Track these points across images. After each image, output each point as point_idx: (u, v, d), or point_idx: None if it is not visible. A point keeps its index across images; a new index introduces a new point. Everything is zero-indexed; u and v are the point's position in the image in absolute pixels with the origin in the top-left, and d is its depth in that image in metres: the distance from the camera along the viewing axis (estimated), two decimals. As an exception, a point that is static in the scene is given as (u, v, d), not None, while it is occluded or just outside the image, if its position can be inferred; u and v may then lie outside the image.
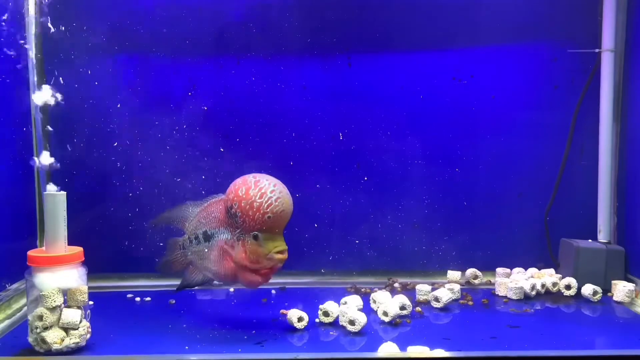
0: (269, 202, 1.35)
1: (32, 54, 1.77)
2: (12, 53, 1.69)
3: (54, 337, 1.30)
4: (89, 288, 1.37)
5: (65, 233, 1.35)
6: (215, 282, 1.55)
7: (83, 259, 1.36)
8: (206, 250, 1.46)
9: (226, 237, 1.42)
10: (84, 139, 1.83)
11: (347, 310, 1.47)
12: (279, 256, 1.38)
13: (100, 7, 1.82)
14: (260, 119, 1.87)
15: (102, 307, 1.61)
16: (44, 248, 1.35)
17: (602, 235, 1.86)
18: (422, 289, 1.69)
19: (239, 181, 1.40)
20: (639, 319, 1.56)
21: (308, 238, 1.90)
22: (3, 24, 1.64)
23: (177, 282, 1.60)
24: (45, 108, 1.80)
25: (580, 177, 1.90)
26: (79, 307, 1.34)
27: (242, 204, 1.36)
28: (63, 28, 1.80)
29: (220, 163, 1.85)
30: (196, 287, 1.61)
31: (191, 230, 1.51)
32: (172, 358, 1.28)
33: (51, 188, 1.53)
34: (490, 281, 1.86)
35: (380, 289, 1.75)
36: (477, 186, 1.91)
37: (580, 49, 1.86)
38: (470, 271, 1.86)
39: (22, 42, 1.73)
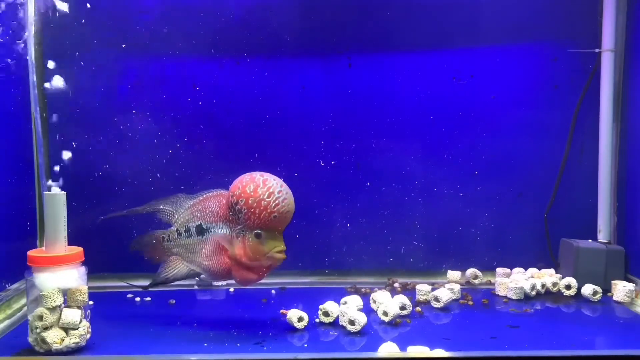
0: (277, 202, 1.36)
1: (32, 54, 1.78)
2: (11, 53, 1.69)
3: (54, 337, 1.30)
4: (89, 288, 1.37)
5: (65, 233, 1.35)
6: (202, 276, 1.53)
7: (83, 259, 1.36)
8: (198, 244, 1.45)
9: (224, 232, 1.42)
10: (83, 139, 1.83)
11: (347, 310, 1.47)
12: (279, 256, 1.39)
13: (99, 6, 1.82)
14: (259, 119, 1.87)
15: (102, 307, 1.61)
16: (44, 248, 1.35)
17: (602, 235, 1.86)
18: (422, 289, 1.69)
19: (246, 178, 1.39)
20: (639, 319, 1.56)
21: (308, 238, 1.90)
22: (2, 24, 1.64)
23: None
24: (45, 108, 1.80)
25: (580, 177, 1.90)
26: (79, 307, 1.34)
27: (250, 202, 1.36)
28: (63, 28, 1.80)
29: (220, 163, 1.85)
30: (176, 282, 1.55)
31: (181, 223, 1.49)
32: (172, 358, 1.28)
33: (54, 189, 1.52)
34: (490, 281, 1.86)
35: (380, 289, 1.75)
36: (477, 186, 1.91)
37: (580, 49, 1.86)
38: (470, 271, 1.86)
39: (21, 42, 1.74)
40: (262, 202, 1.36)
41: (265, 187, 1.37)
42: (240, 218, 1.38)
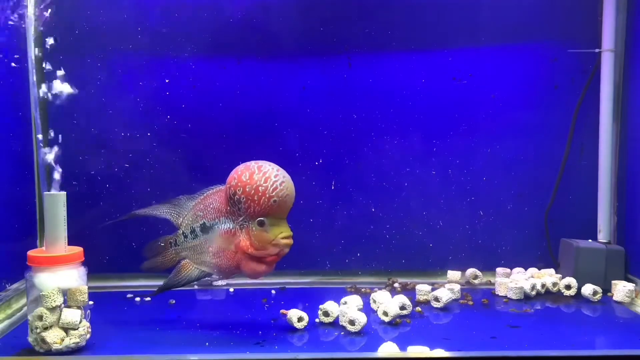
0: (274, 186, 1.34)
1: (32, 53, 1.78)
2: (11, 53, 1.69)
3: (54, 337, 1.30)
4: (89, 288, 1.37)
5: (65, 233, 1.35)
6: (213, 276, 1.52)
7: (83, 259, 1.36)
8: (204, 243, 1.43)
9: (227, 226, 1.40)
10: (83, 139, 1.83)
11: (347, 310, 1.47)
12: (285, 241, 1.36)
13: (99, 6, 1.82)
14: (260, 120, 1.87)
15: (102, 307, 1.61)
16: (44, 248, 1.35)
17: (602, 235, 1.86)
18: (422, 289, 1.69)
19: (241, 167, 1.38)
20: (639, 319, 1.56)
21: (308, 238, 1.90)
22: (2, 24, 1.65)
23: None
24: (45, 108, 1.81)
25: (580, 177, 1.90)
26: (79, 307, 1.34)
27: (247, 189, 1.34)
28: (63, 28, 1.81)
29: (220, 163, 1.85)
30: (188, 284, 1.53)
31: (186, 225, 1.46)
32: (172, 358, 1.28)
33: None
34: (490, 281, 1.86)
35: (380, 289, 1.75)
36: (477, 186, 1.91)
37: (580, 49, 1.86)
38: (470, 271, 1.86)
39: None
40: (260, 187, 1.33)
41: (261, 173, 1.34)
42: (241, 209, 1.36)
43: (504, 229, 1.92)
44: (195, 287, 1.82)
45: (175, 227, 1.49)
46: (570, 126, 1.89)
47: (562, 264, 1.87)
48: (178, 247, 1.48)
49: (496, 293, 1.76)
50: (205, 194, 1.47)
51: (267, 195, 1.33)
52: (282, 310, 1.57)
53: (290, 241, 1.37)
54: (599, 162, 1.87)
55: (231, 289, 1.81)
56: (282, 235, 1.36)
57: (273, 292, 1.79)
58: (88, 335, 1.36)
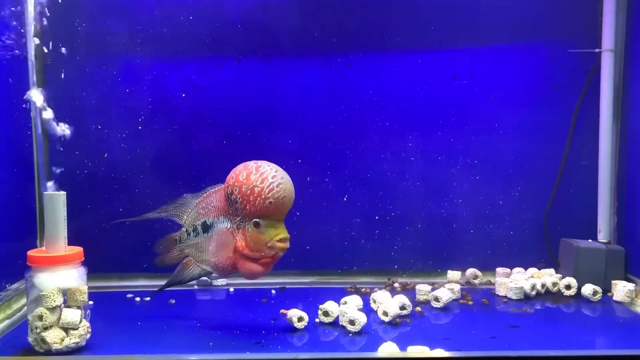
0: (271, 187, 1.32)
1: (32, 54, 1.78)
2: (11, 53, 1.69)
3: (54, 337, 1.30)
4: (89, 288, 1.37)
5: (65, 233, 1.35)
6: (213, 275, 1.52)
7: (83, 259, 1.36)
8: (205, 241, 1.43)
9: (226, 225, 1.39)
10: (83, 139, 1.83)
11: (347, 310, 1.47)
12: (281, 244, 1.35)
13: (99, 7, 1.82)
14: (259, 119, 1.87)
15: (102, 307, 1.61)
16: (44, 248, 1.35)
17: (602, 235, 1.86)
18: (422, 289, 1.69)
19: (240, 167, 1.38)
20: (639, 319, 1.56)
21: (308, 238, 1.90)
22: (2, 23, 1.65)
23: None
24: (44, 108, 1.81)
25: (580, 177, 1.90)
26: (79, 307, 1.34)
27: (243, 189, 1.33)
28: (63, 28, 1.81)
29: (220, 163, 1.85)
30: (190, 282, 1.54)
31: (189, 223, 1.47)
32: (172, 358, 1.28)
33: (50, 186, 1.53)
34: (490, 281, 1.86)
35: (380, 289, 1.75)
36: (477, 186, 1.91)
37: (580, 49, 1.86)
38: (470, 271, 1.86)
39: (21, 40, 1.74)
40: (256, 188, 1.32)
41: (259, 174, 1.34)
42: (238, 208, 1.36)
43: (504, 228, 1.92)
44: (195, 287, 1.82)
45: (180, 224, 1.51)
46: (570, 126, 1.89)
47: (562, 264, 1.87)
48: (182, 245, 1.49)
49: (496, 293, 1.76)
50: (208, 192, 1.47)
51: (263, 197, 1.33)
52: (282, 310, 1.57)
53: (286, 244, 1.36)
54: (599, 162, 1.87)
55: (231, 289, 1.82)
56: (278, 237, 1.35)
57: (273, 292, 1.79)
58: (88, 335, 1.36)
